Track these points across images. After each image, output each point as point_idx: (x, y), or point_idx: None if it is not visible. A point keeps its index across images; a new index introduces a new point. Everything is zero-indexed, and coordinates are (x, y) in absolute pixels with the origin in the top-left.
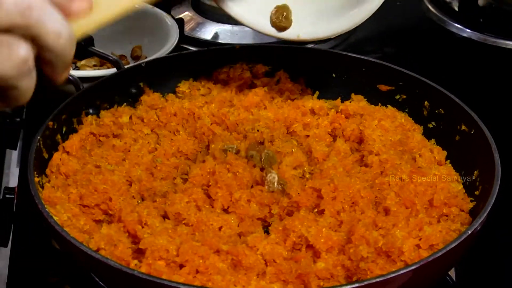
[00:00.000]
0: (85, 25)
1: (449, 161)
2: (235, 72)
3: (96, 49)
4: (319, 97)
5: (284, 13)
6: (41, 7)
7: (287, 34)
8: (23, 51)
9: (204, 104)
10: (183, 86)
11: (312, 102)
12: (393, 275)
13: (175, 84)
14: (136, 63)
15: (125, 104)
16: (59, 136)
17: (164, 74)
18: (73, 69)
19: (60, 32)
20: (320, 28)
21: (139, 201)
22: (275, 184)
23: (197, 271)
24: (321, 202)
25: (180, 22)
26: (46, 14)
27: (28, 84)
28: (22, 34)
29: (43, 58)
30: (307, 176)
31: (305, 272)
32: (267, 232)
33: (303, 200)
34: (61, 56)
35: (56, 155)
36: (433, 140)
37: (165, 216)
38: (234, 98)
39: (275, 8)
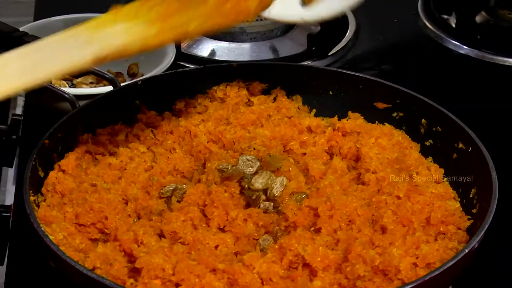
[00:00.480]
0: None
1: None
2: (232, 90)
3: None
4: (316, 115)
5: None
6: None
7: (292, 17)
8: None
9: (200, 122)
10: (180, 104)
11: (309, 120)
12: None
13: (171, 102)
14: (132, 81)
15: (121, 122)
16: (55, 155)
17: (161, 92)
18: (69, 86)
19: None
20: (322, 8)
21: (135, 220)
22: (270, 208)
23: None
24: (317, 221)
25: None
26: None
27: None
28: None
29: None
30: (303, 196)
31: None
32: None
33: (300, 219)
34: None
35: (52, 174)
36: (430, 158)
37: (161, 235)
38: (231, 116)
39: None
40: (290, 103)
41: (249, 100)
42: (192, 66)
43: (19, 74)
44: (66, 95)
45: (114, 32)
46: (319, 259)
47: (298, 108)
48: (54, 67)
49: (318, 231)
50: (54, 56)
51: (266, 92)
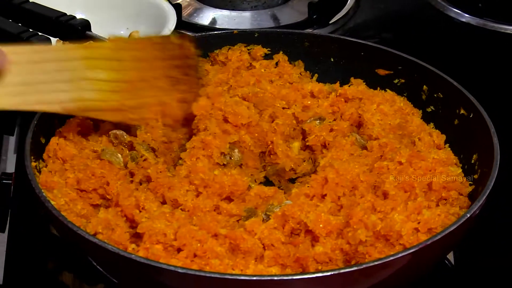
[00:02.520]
0: None
1: (448, 145)
2: (234, 54)
3: (93, 33)
4: (317, 81)
5: None
6: None
7: None
8: None
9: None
10: None
11: (311, 85)
12: (391, 258)
13: None
14: None
15: None
16: (56, 121)
17: None
18: None
19: None
20: None
21: (137, 186)
22: None
23: (195, 255)
24: (324, 187)
25: (178, 8)
26: None
27: None
28: None
29: None
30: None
31: (304, 256)
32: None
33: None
34: None
35: (53, 140)
36: (432, 124)
37: (163, 202)
38: (231, 80)
39: None
40: (292, 68)
41: (250, 64)
42: (192, 34)
43: (14, 95)
44: None
45: (94, 83)
46: (321, 225)
47: (300, 74)
48: (37, 104)
49: (322, 197)
50: (45, 88)
51: (268, 57)
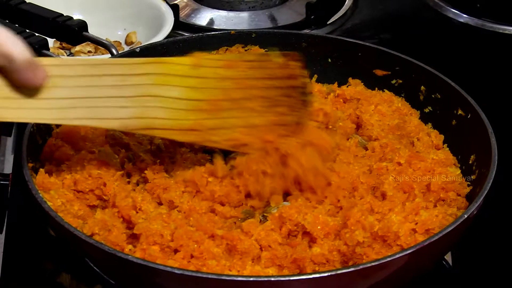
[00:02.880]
0: (9, 116)
1: (446, 145)
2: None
3: (91, 34)
4: (316, 81)
5: None
6: None
7: None
8: None
9: None
10: None
11: (309, 86)
12: (388, 259)
13: None
14: (130, 49)
15: None
16: (54, 126)
17: None
18: (68, 55)
19: None
20: None
21: (134, 187)
22: None
23: (192, 256)
24: (327, 189)
25: (175, 8)
26: None
27: None
28: None
29: None
30: None
31: (301, 257)
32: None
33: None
34: None
35: (50, 141)
36: (430, 124)
37: (159, 203)
38: None
39: None
40: None
41: None
42: (190, 35)
43: (56, 108)
44: None
45: (161, 100)
46: (319, 227)
47: None
48: (88, 119)
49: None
50: (97, 103)
51: None
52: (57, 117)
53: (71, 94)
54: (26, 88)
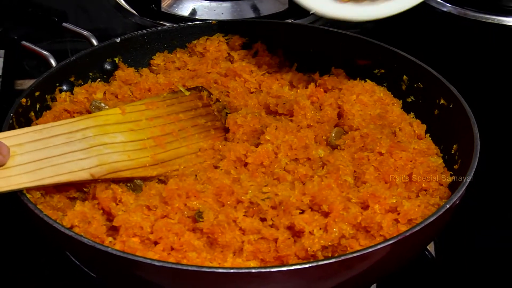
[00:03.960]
0: None
1: (428, 135)
2: (212, 44)
3: (71, 25)
4: (297, 70)
5: None
6: None
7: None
8: None
9: (179, 80)
10: (158, 59)
11: (291, 75)
12: (370, 250)
13: (150, 60)
14: (111, 40)
15: (99, 80)
16: (32, 114)
17: (139, 50)
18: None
19: None
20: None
21: None
22: None
23: (172, 248)
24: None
25: None
26: None
27: None
28: None
29: None
30: None
31: (285, 253)
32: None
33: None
34: None
35: None
36: (412, 114)
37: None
38: (211, 71)
39: None
40: (271, 58)
41: (229, 54)
42: (171, 25)
43: (25, 173)
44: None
45: (113, 146)
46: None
47: (279, 62)
48: (59, 175)
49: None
50: (61, 160)
51: (246, 46)
52: (29, 180)
53: (32, 158)
54: None
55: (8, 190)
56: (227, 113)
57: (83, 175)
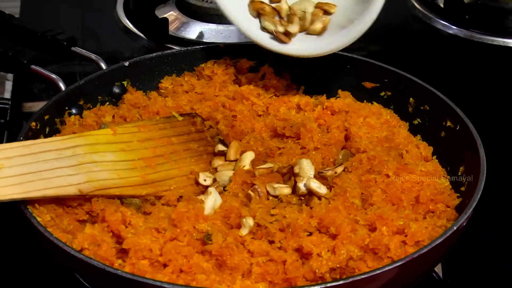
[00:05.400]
0: None
1: (435, 156)
2: (219, 68)
3: (79, 49)
4: (304, 93)
5: None
6: None
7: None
8: None
9: (187, 103)
10: (166, 82)
11: (298, 97)
12: (378, 271)
13: (158, 82)
14: (119, 63)
15: (108, 103)
16: (42, 137)
17: (148, 73)
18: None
19: None
20: (309, 45)
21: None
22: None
23: (181, 271)
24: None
25: (165, 22)
26: None
27: None
28: None
29: None
30: None
31: (293, 276)
32: None
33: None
34: None
35: None
36: (418, 136)
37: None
38: (219, 95)
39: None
40: (279, 81)
41: (236, 77)
42: (179, 48)
43: (13, 185)
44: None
45: (103, 165)
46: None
47: (287, 85)
48: (47, 189)
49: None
50: (49, 175)
51: (254, 69)
52: (15, 192)
53: (20, 171)
54: None
55: None
56: (220, 140)
57: (71, 190)
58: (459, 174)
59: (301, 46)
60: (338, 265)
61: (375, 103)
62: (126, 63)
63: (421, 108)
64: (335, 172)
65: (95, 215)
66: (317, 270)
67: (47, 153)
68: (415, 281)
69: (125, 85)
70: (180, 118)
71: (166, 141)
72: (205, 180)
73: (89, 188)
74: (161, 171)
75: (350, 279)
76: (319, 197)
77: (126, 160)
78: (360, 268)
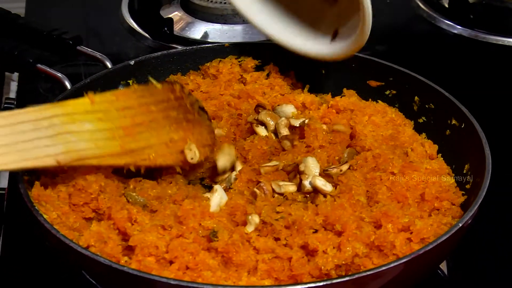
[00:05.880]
0: None
1: (440, 155)
2: (225, 66)
3: (84, 48)
4: (309, 91)
5: None
6: None
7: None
8: None
9: None
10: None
11: (303, 96)
12: (384, 268)
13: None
14: (125, 62)
15: None
16: None
17: (153, 72)
18: None
19: None
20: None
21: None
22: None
23: (187, 268)
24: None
25: (170, 22)
26: None
27: None
28: None
29: None
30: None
31: (298, 272)
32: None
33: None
34: None
35: None
36: (424, 135)
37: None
38: (224, 94)
39: None
40: (284, 79)
41: (242, 76)
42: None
43: None
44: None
45: (80, 134)
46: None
47: (292, 84)
48: (24, 161)
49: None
50: (27, 146)
51: (259, 68)
52: None
53: None
54: None
55: None
56: (199, 107)
57: (49, 161)
58: (464, 172)
59: (313, 46)
60: (343, 262)
61: (380, 101)
62: (132, 62)
63: (426, 106)
64: (340, 170)
65: (101, 212)
66: (322, 267)
67: (24, 124)
68: (420, 278)
69: (131, 84)
70: (159, 86)
71: (145, 109)
72: (192, 159)
73: (67, 158)
74: (140, 140)
75: (356, 276)
76: (325, 195)
77: (104, 129)
78: (366, 265)
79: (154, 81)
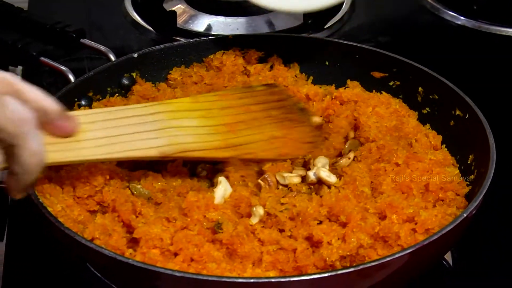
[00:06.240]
0: (57, 158)
1: (444, 145)
2: (228, 58)
3: (88, 41)
4: (313, 83)
5: None
6: (31, 125)
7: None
8: None
9: (196, 94)
10: (175, 74)
11: (307, 87)
12: (388, 259)
13: (167, 74)
14: (128, 55)
15: (117, 95)
16: None
17: (157, 65)
18: None
19: (36, 152)
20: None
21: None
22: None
23: (192, 260)
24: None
25: (173, 15)
26: (32, 132)
27: None
28: (3, 139)
29: (11, 169)
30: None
31: (303, 264)
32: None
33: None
34: (27, 174)
35: None
36: (428, 125)
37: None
38: (228, 86)
39: None
40: (287, 71)
41: (245, 68)
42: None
43: (96, 146)
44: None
45: (185, 129)
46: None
47: (296, 76)
48: (129, 151)
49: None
50: (132, 138)
51: (262, 60)
52: (100, 153)
53: (104, 134)
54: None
55: (78, 161)
56: (300, 108)
57: (152, 153)
58: (469, 162)
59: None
60: (348, 253)
61: (384, 92)
62: (135, 55)
63: (430, 97)
64: (349, 158)
65: (106, 205)
66: (327, 258)
67: (130, 118)
68: (425, 268)
69: (134, 77)
70: (260, 88)
71: (246, 109)
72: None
73: (171, 150)
74: (242, 136)
75: (361, 267)
76: (329, 186)
77: (207, 125)
78: (370, 256)
79: (256, 85)
